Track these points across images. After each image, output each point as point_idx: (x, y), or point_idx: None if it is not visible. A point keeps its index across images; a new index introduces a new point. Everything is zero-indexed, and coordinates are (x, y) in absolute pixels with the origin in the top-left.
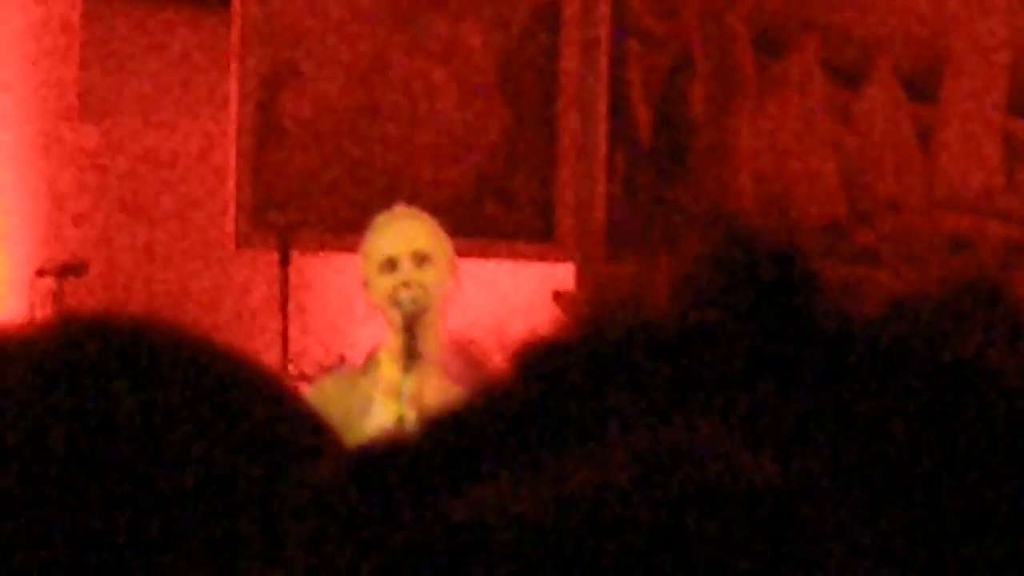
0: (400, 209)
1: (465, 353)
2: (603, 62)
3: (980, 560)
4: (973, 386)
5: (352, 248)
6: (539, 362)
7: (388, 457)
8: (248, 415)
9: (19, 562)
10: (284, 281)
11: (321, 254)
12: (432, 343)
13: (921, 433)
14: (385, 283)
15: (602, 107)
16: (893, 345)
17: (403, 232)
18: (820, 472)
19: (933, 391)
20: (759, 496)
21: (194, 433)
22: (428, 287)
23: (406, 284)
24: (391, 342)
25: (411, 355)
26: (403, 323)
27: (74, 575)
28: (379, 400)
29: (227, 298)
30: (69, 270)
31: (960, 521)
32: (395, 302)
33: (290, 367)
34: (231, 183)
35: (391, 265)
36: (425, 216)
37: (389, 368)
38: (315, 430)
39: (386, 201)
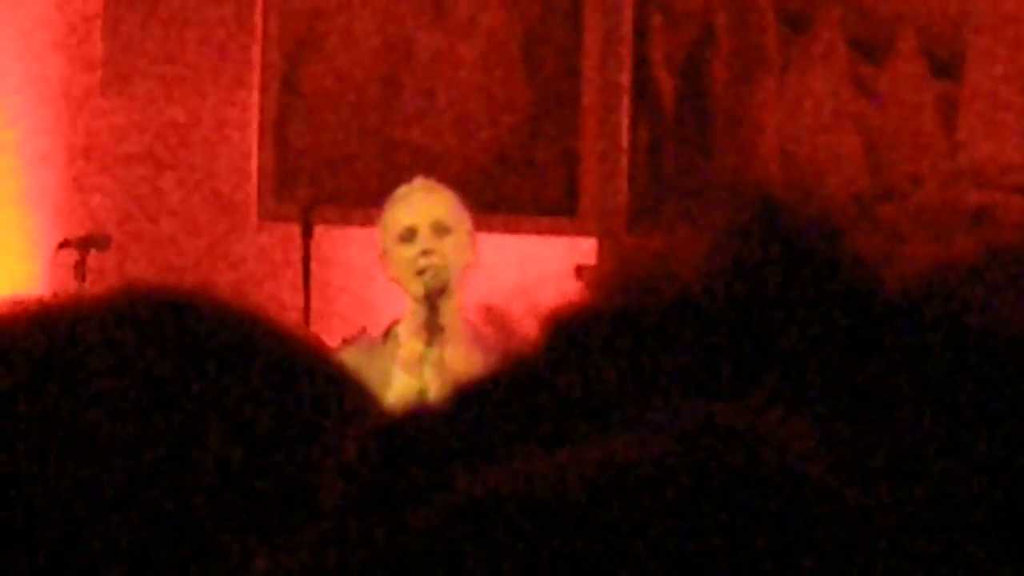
0: (419, 181)
1: (484, 325)
2: (626, 36)
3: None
4: (1015, 352)
5: (374, 222)
6: (569, 331)
7: (413, 427)
8: (297, 385)
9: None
10: (306, 254)
11: (343, 227)
12: (452, 315)
13: (963, 404)
14: (405, 253)
15: (625, 82)
16: (936, 315)
17: (422, 203)
18: (863, 451)
19: (973, 362)
20: (806, 481)
21: (243, 401)
22: (448, 257)
23: (426, 253)
24: (409, 314)
25: (432, 328)
26: (424, 296)
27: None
28: (398, 373)
29: (249, 271)
30: (92, 243)
31: (1010, 498)
32: (416, 271)
33: None
34: (254, 157)
35: (410, 235)
36: (444, 188)
37: (409, 341)
38: (361, 401)
39: (409, 175)
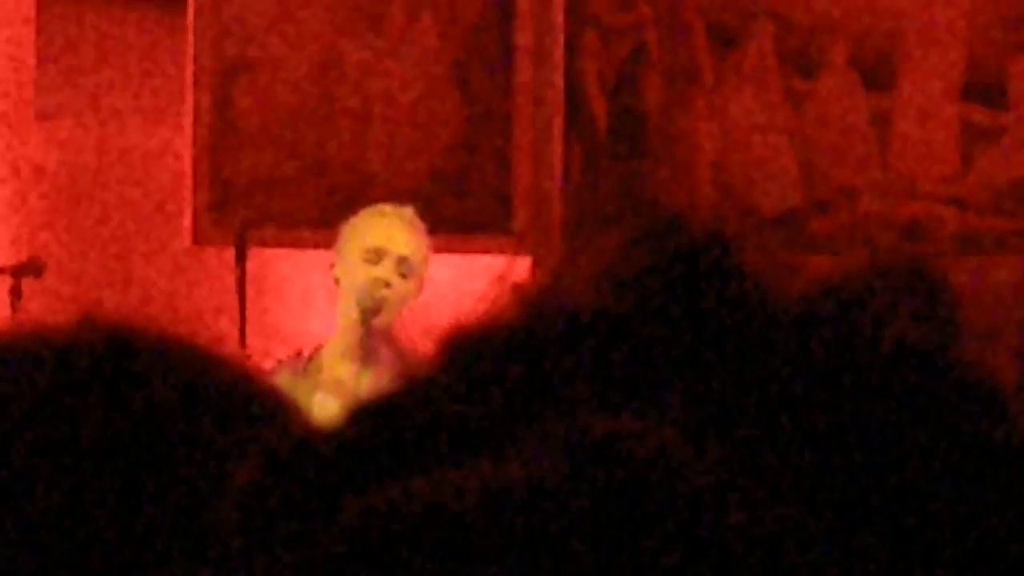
0: (408, 212)
1: (417, 348)
2: (558, 54)
3: (914, 547)
4: (898, 366)
5: (309, 244)
6: (462, 350)
7: (307, 449)
8: (237, 413)
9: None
10: (241, 277)
11: (278, 250)
12: (383, 340)
13: (847, 416)
14: (364, 271)
15: (558, 100)
16: (819, 328)
17: (401, 233)
18: (750, 463)
19: (859, 372)
20: (692, 490)
21: (186, 436)
22: (398, 295)
23: (387, 283)
24: (339, 334)
25: (366, 350)
26: (361, 318)
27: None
28: (322, 397)
29: (185, 295)
30: (27, 270)
31: (891, 504)
32: (366, 293)
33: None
34: (188, 180)
35: (376, 256)
36: (423, 230)
37: (335, 363)
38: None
39: (343, 196)
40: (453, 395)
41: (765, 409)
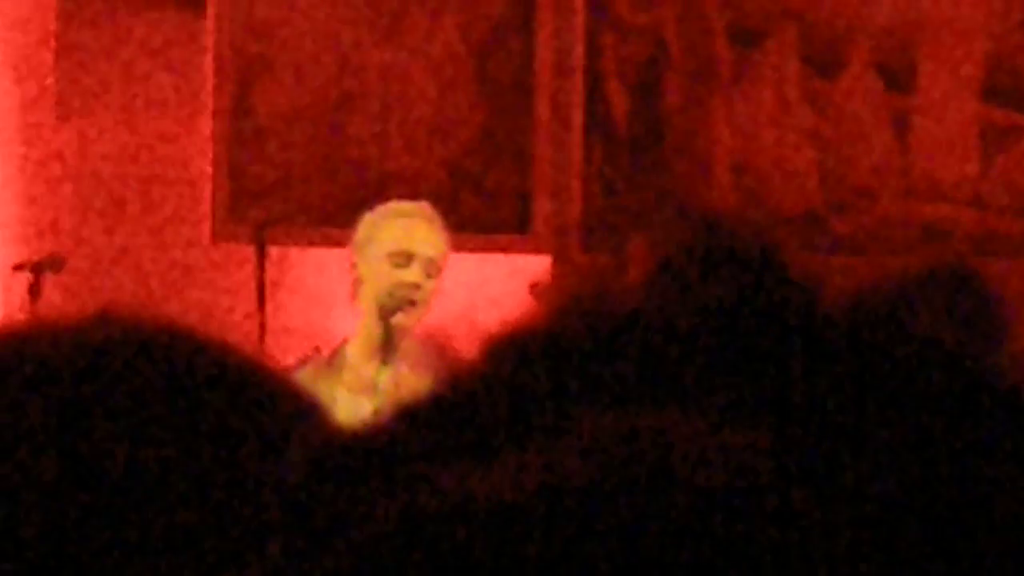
0: (427, 208)
1: (438, 345)
2: (579, 54)
3: (958, 547)
4: (943, 371)
5: (329, 242)
6: (508, 351)
7: (356, 446)
8: (262, 410)
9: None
10: (260, 275)
11: (297, 247)
12: (406, 337)
13: (889, 419)
14: (393, 274)
15: (578, 99)
16: (863, 332)
17: (429, 235)
18: (789, 460)
19: (901, 377)
20: (726, 484)
21: (209, 428)
22: (425, 297)
23: (416, 286)
24: (361, 333)
25: (388, 348)
26: (381, 314)
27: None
28: (344, 393)
29: (204, 292)
30: (46, 266)
31: (935, 506)
32: (395, 297)
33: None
34: (207, 178)
35: (405, 260)
36: (443, 229)
37: (360, 361)
38: (320, 424)
39: (363, 195)
40: (497, 394)
41: (809, 409)
